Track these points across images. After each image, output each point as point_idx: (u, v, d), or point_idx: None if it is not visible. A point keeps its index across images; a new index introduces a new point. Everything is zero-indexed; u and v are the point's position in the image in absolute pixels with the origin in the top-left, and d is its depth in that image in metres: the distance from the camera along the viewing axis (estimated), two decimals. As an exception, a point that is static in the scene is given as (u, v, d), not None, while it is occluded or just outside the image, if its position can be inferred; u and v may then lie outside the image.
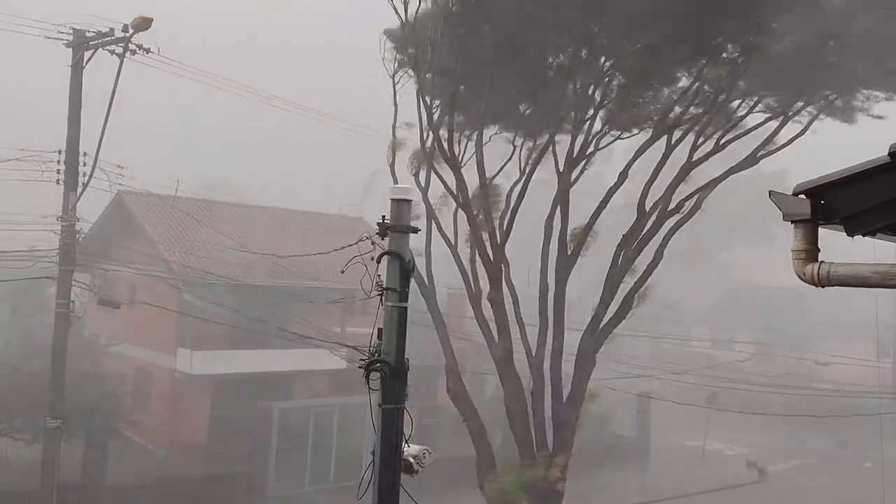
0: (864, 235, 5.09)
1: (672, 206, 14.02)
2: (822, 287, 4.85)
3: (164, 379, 25.38)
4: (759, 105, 14.03)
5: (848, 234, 4.89)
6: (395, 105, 15.04)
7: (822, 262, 4.74)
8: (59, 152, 18.02)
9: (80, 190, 17.80)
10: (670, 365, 33.04)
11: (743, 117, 14.17)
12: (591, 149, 14.70)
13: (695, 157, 14.00)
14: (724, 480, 29.46)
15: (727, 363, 35.08)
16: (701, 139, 14.06)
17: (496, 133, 16.02)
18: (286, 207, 33.89)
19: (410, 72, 14.92)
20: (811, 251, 4.81)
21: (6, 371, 19.04)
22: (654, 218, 14.11)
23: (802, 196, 4.85)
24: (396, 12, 14.10)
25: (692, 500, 27.01)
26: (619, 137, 15.41)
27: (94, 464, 19.91)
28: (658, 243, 14.34)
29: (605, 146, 15.16)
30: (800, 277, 4.90)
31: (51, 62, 20.14)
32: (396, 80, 15.20)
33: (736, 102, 14.07)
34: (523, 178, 15.05)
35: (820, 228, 4.88)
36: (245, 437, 23.55)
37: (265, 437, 23.07)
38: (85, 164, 17.96)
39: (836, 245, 5.32)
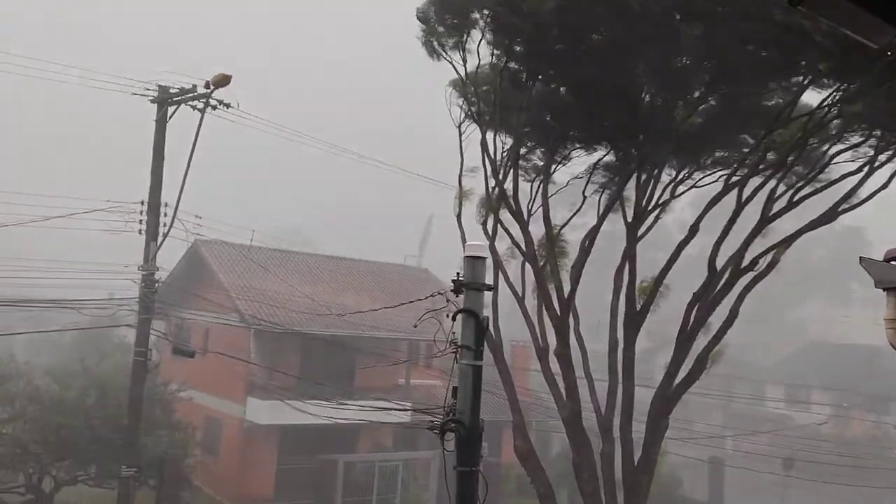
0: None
1: (745, 262, 13.63)
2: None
3: (233, 428, 25.69)
4: (845, 152, 13.49)
5: (944, 303, 4.70)
6: (462, 156, 15.13)
7: (918, 331, 4.57)
8: (142, 203, 18.71)
9: (160, 240, 18.41)
10: (743, 426, 31.89)
11: (817, 173, 13.71)
12: (664, 197, 14.51)
13: (770, 212, 13.64)
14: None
15: (803, 425, 33.67)
16: (778, 192, 13.68)
17: (564, 186, 15.93)
18: (352, 257, 34.46)
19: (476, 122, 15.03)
20: (906, 320, 4.64)
21: (83, 417, 19.54)
22: (727, 275, 13.74)
23: (894, 262, 4.71)
24: (455, 69, 14.20)
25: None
26: (694, 186, 15.12)
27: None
28: (730, 300, 13.94)
29: (679, 195, 14.94)
30: (893, 347, 4.73)
31: (137, 117, 21.07)
32: (463, 129, 15.31)
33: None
34: (591, 231, 14.90)
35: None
36: (310, 490, 23.58)
37: (330, 491, 23.04)
38: (165, 215, 18.61)
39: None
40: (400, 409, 20.29)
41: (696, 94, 13.24)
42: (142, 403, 17.34)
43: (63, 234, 22.72)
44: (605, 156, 15.26)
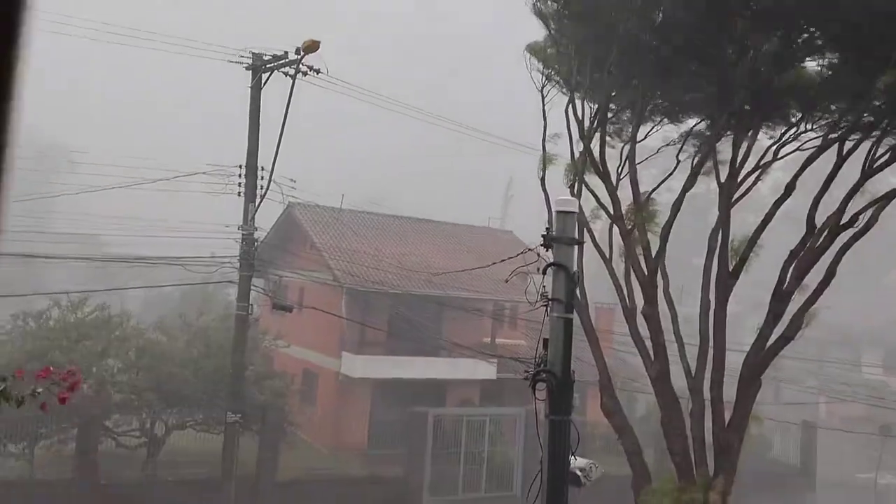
0: None
1: (845, 219, 13.19)
2: None
3: (329, 380, 26.85)
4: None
5: None
6: (545, 119, 15.08)
7: None
8: (240, 167, 19.51)
9: (257, 201, 19.22)
10: (838, 391, 31.00)
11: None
12: (766, 158, 14.22)
13: (872, 166, 13.14)
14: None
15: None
16: (882, 147, 13.16)
17: (654, 154, 15.71)
18: (437, 220, 34.95)
19: (560, 87, 14.95)
20: None
21: (191, 367, 20.82)
22: (825, 233, 13.37)
23: None
24: (543, 23, 14.09)
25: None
26: (798, 149, 14.69)
27: (266, 458, 21.40)
28: (827, 259, 13.58)
29: (783, 157, 14.59)
30: None
31: (234, 84, 21.84)
32: (545, 93, 15.24)
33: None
34: (681, 193, 14.70)
35: None
36: (402, 441, 24.44)
37: (420, 443, 23.83)
38: (262, 178, 19.37)
39: None
40: (490, 359, 20.62)
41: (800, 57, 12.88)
42: (244, 354, 18.33)
43: (168, 197, 24.03)
44: (698, 123, 14.99)
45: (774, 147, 14.47)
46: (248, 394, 19.29)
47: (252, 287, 19.16)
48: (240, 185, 19.38)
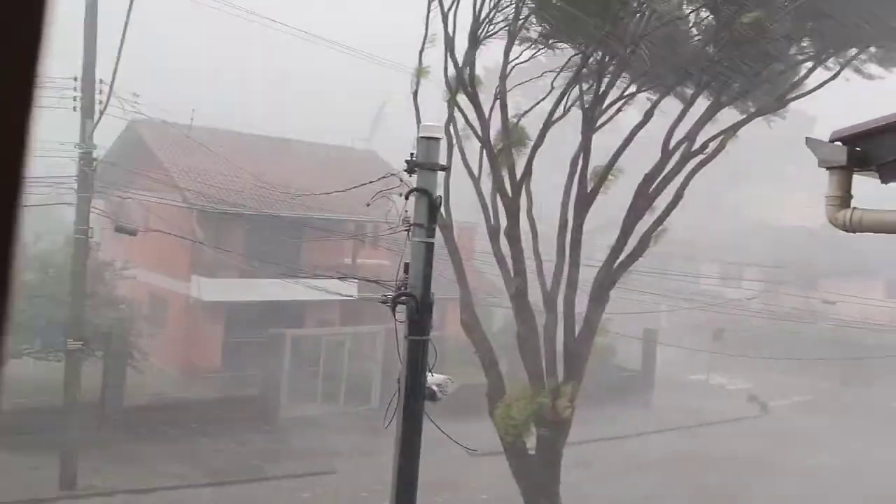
0: (898, 183, 5.15)
1: (696, 146, 13.95)
2: (854, 233, 4.96)
3: (179, 305, 25.88)
4: (795, 48, 13.70)
5: (882, 182, 4.96)
6: (426, 28, 14.65)
7: (854, 208, 4.84)
8: (76, 79, 17.86)
9: (96, 117, 17.73)
10: (678, 302, 33.40)
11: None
12: (619, 98, 14.60)
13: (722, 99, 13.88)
14: (725, 414, 30.14)
15: (734, 300, 35.44)
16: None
17: (527, 81, 15.67)
18: (299, 139, 33.75)
19: None
20: (845, 197, 4.89)
21: (25, 294, 19.38)
22: (676, 158, 14.06)
23: (839, 143, 4.92)
24: None
25: (693, 432, 27.70)
26: (640, 90, 15.13)
27: (112, 384, 20.57)
28: (677, 183, 14.33)
29: (630, 95, 15.00)
30: (832, 223, 5.00)
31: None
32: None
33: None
34: (548, 118, 14.87)
35: (854, 175, 4.94)
36: (258, 363, 24.14)
37: (277, 363, 23.63)
38: (101, 92, 17.83)
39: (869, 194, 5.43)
40: (347, 280, 20.55)
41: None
42: (84, 279, 17.30)
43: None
44: (575, 55, 15.04)
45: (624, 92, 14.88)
46: (89, 320, 18.27)
47: (92, 209, 17.88)
48: (75, 99, 17.77)
